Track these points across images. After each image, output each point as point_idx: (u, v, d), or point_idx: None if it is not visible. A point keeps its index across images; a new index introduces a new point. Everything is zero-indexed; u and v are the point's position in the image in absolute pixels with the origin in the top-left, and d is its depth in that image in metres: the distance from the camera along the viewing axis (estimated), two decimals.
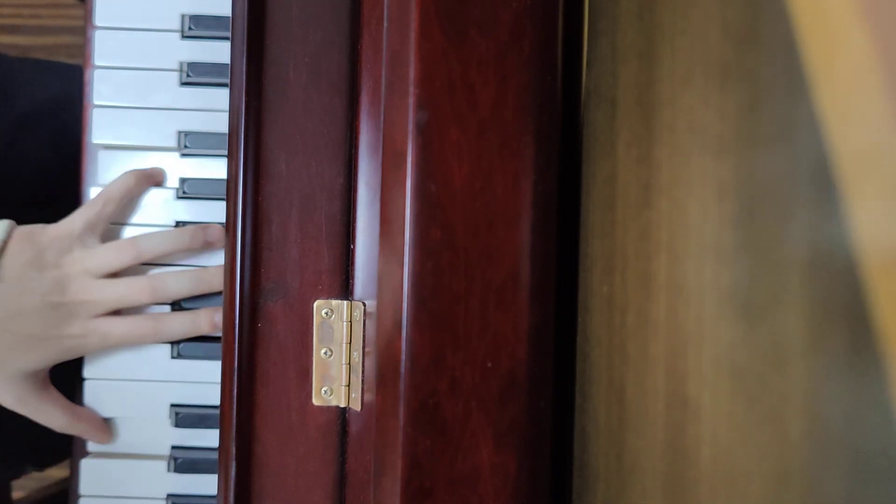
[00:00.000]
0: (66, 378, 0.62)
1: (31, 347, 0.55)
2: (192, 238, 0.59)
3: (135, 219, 0.62)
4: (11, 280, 0.55)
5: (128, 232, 0.61)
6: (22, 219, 0.58)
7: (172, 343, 0.61)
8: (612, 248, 0.38)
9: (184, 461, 0.61)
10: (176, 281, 0.58)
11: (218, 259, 0.61)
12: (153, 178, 0.61)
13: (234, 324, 0.46)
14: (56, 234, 0.57)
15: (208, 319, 0.59)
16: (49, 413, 0.58)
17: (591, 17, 0.42)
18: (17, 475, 0.74)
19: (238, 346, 0.46)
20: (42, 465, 0.76)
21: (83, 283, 0.56)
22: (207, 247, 0.60)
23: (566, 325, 0.43)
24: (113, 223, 0.61)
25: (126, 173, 0.60)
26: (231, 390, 0.46)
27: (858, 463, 0.22)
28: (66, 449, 0.64)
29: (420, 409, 0.38)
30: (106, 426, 0.61)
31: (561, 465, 0.44)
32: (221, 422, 0.46)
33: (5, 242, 0.56)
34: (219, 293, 0.60)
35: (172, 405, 0.61)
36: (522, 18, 0.40)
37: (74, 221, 0.58)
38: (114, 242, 0.59)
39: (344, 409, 0.47)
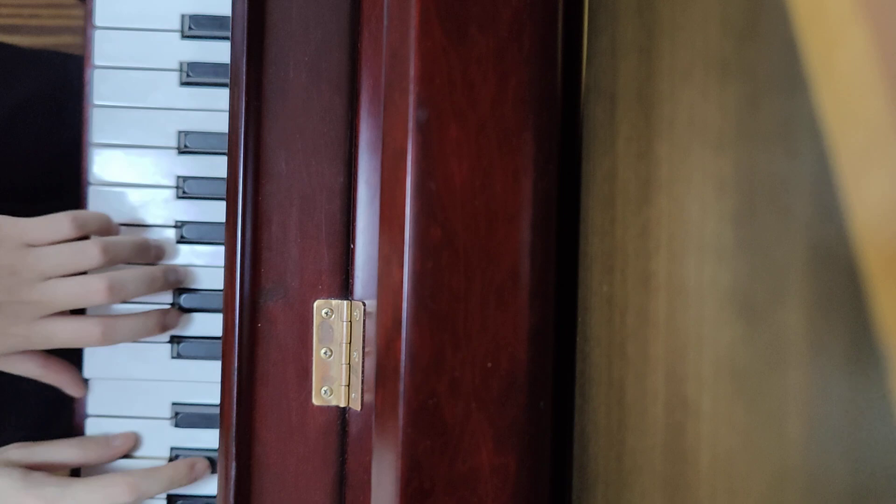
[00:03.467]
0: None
1: None
2: (157, 270, 0.59)
3: (135, 219, 0.61)
4: None
5: (129, 232, 0.61)
6: (18, 213, 0.58)
7: (172, 340, 0.61)
8: (612, 247, 0.38)
9: None
10: (133, 282, 0.56)
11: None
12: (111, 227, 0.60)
13: (234, 324, 0.46)
14: (11, 231, 0.55)
15: (157, 321, 0.58)
16: (22, 367, 0.58)
17: (591, 12, 0.42)
18: None
19: (238, 346, 0.46)
20: None
21: (32, 284, 0.55)
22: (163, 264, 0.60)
23: (566, 324, 0.42)
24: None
25: (99, 214, 0.59)
26: (231, 390, 0.46)
27: (858, 463, 0.22)
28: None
29: (420, 409, 0.38)
30: (80, 380, 0.61)
31: (561, 465, 0.43)
32: (221, 422, 0.46)
33: None
34: (173, 290, 0.60)
35: (173, 405, 0.61)
36: (522, 15, 0.39)
37: (33, 228, 0.56)
38: (77, 244, 0.56)
39: (344, 409, 0.47)
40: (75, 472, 0.61)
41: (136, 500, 0.57)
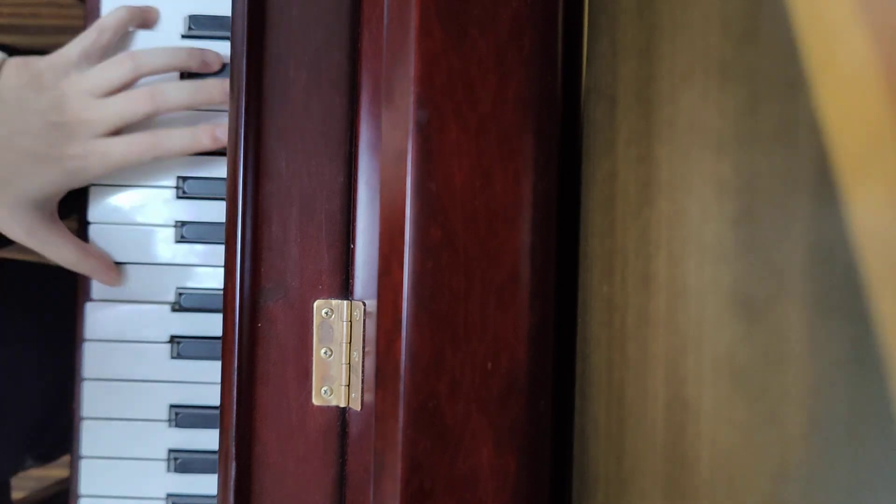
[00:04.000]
0: (66, 379, 0.62)
1: (35, 168, 0.56)
2: (190, 56, 0.59)
3: (135, 219, 0.61)
4: (10, 101, 0.55)
5: (129, 232, 0.61)
6: None
7: (171, 340, 0.61)
8: (612, 248, 0.38)
9: (183, 461, 0.61)
10: (175, 89, 0.58)
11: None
12: (146, 15, 0.61)
13: (234, 324, 0.46)
14: (52, 60, 0.58)
15: (209, 133, 0.58)
16: (59, 246, 0.58)
17: (591, 14, 0.42)
18: (17, 469, 0.73)
19: (238, 346, 0.46)
20: (42, 459, 0.76)
21: (82, 102, 0.57)
22: (204, 68, 0.60)
23: (566, 325, 0.42)
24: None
25: (119, 7, 0.60)
26: (231, 390, 0.46)
27: (858, 463, 0.22)
28: (65, 443, 0.64)
29: (420, 409, 0.38)
30: (115, 267, 0.61)
31: (561, 466, 0.43)
32: (221, 422, 0.46)
33: (2, 64, 0.56)
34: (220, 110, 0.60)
35: (172, 405, 0.61)
36: (522, 17, 0.39)
37: (70, 49, 0.58)
38: (110, 59, 0.59)
39: (344, 409, 0.47)
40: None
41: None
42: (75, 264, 0.59)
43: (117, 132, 0.58)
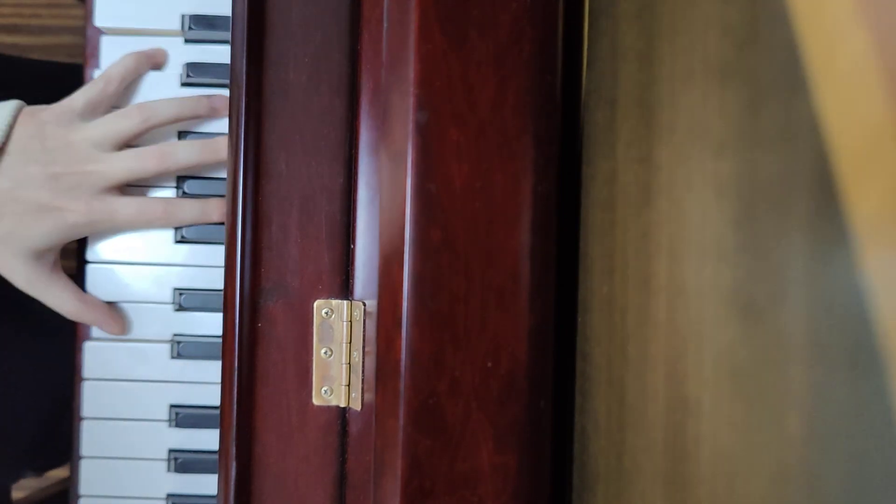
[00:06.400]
0: (67, 379, 0.62)
1: (38, 219, 0.55)
2: (198, 104, 0.59)
3: None
4: (16, 152, 0.55)
5: (129, 232, 0.61)
6: None
7: (171, 340, 0.61)
8: (612, 249, 0.38)
9: (184, 461, 0.61)
10: (185, 148, 0.57)
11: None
12: (154, 59, 0.61)
13: (234, 324, 0.46)
14: (58, 109, 0.57)
15: (218, 208, 0.58)
16: (59, 297, 0.58)
17: (591, 17, 0.42)
18: (16, 479, 0.74)
19: (238, 346, 0.46)
20: (41, 471, 0.76)
21: (88, 154, 0.56)
22: (213, 114, 0.59)
23: (566, 325, 0.43)
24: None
25: (126, 55, 0.60)
26: (231, 390, 0.46)
27: (858, 463, 0.22)
28: (65, 454, 0.63)
29: (420, 409, 0.38)
30: (118, 316, 0.60)
31: (561, 464, 0.44)
32: (221, 422, 0.46)
33: (15, 119, 0.56)
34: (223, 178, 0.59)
35: (172, 405, 0.61)
36: (522, 19, 0.40)
37: (75, 99, 0.58)
38: (118, 111, 0.58)
39: (344, 408, 0.47)
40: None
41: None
42: (76, 315, 0.59)
43: (124, 189, 0.58)
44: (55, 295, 0.58)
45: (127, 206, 0.57)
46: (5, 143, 0.55)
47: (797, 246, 0.25)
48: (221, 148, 0.58)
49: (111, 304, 0.61)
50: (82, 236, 0.59)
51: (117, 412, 0.61)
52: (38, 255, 0.57)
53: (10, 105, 0.56)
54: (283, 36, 0.47)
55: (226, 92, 0.58)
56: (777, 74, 0.26)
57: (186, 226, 0.59)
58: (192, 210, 0.58)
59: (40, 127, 0.56)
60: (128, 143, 0.58)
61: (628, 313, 0.36)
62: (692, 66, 0.31)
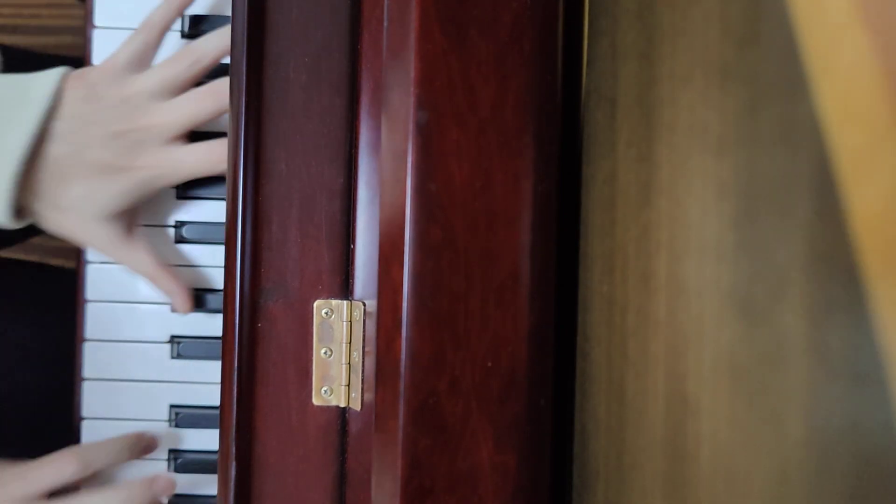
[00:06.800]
0: (67, 380, 0.62)
1: (109, 180, 0.55)
2: None
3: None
4: (72, 116, 0.54)
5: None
6: None
7: (171, 340, 0.61)
8: (612, 248, 0.38)
9: (184, 461, 0.61)
10: None
11: None
12: (185, 3, 0.59)
13: (234, 324, 0.46)
14: (105, 68, 0.56)
15: None
16: (139, 259, 0.58)
17: (592, 16, 0.42)
18: None
19: (238, 346, 0.46)
20: None
21: (146, 107, 0.55)
22: None
23: (566, 324, 0.43)
24: None
25: (159, 5, 0.58)
26: (231, 390, 0.46)
27: (858, 463, 0.22)
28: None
29: (420, 408, 0.38)
30: (189, 297, 0.60)
31: (561, 463, 0.44)
32: (221, 422, 0.46)
33: (62, 83, 0.55)
34: None
35: (172, 405, 0.61)
36: (522, 18, 0.40)
37: (119, 55, 0.57)
38: (167, 58, 0.57)
39: (344, 408, 0.47)
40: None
41: (83, 471, 0.56)
42: (154, 278, 0.59)
43: (186, 135, 0.57)
44: (135, 257, 0.58)
45: (193, 152, 0.56)
46: (56, 108, 0.54)
47: (797, 246, 0.25)
48: None
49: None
50: (156, 190, 0.58)
51: (117, 412, 0.61)
52: (115, 217, 0.56)
53: (56, 71, 0.56)
54: (283, 35, 0.47)
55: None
56: (777, 74, 0.26)
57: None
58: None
59: (91, 88, 0.55)
60: (183, 89, 0.57)
61: (628, 312, 0.36)
62: (692, 65, 0.32)
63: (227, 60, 0.60)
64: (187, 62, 0.56)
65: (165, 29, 0.58)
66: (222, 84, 0.56)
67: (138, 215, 0.60)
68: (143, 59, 0.57)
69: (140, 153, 0.55)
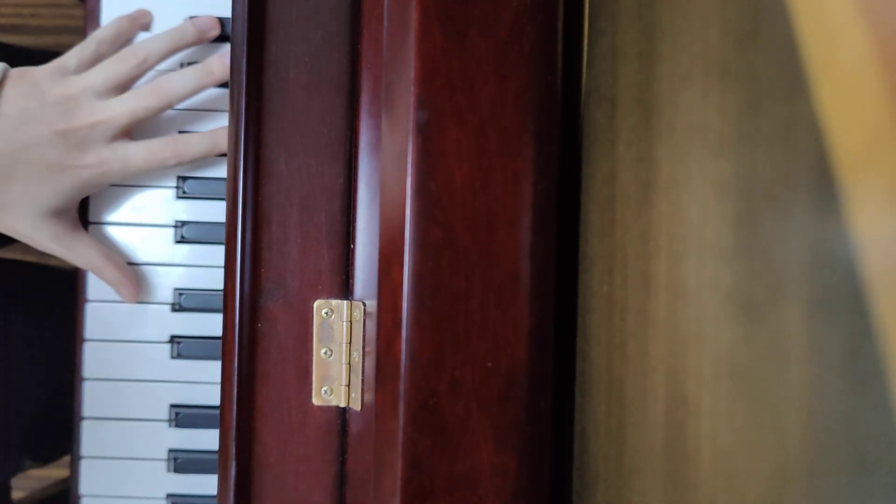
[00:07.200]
0: (67, 380, 0.62)
1: (52, 178, 0.55)
2: (185, 31, 0.58)
3: (135, 219, 0.61)
4: (12, 114, 0.54)
5: (129, 232, 0.61)
6: None
7: (171, 340, 0.61)
8: (612, 248, 0.38)
9: (184, 461, 0.61)
10: (180, 77, 0.57)
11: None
12: (141, 20, 0.60)
13: (234, 324, 0.46)
14: (51, 67, 0.56)
15: (226, 137, 0.57)
16: (84, 253, 0.58)
17: (592, 16, 0.42)
18: (17, 470, 0.73)
19: (238, 346, 0.46)
20: (42, 460, 0.76)
21: (89, 105, 0.55)
22: (202, 37, 0.59)
23: (566, 324, 0.43)
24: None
25: (115, 18, 0.59)
26: (231, 390, 0.46)
27: (858, 463, 0.22)
28: (65, 443, 0.63)
29: (420, 408, 0.38)
30: (136, 281, 0.60)
31: (561, 464, 0.44)
32: (221, 422, 0.46)
33: (4, 76, 0.55)
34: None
35: (172, 405, 0.61)
36: (522, 18, 0.40)
37: (68, 59, 0.57)
38: (113, 56, 0.57)
39: (344, 409, 0.47)
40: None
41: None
42: (100, 271, 0.59)
43: (130, 132, 0.57)
44: (80, 251, 0.58)
45: (138, 149, 0.56)
46: None
47: (797, 246, 0.25)
48: (216, 69, 0.57)
49: (132, 267, 0.61)
50: (100, 188, 0.59)
51: (117, 412, 0.61)
52: (58, 213, 0.56)
53: None
54: (283, 35, 0.47)
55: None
56: (777, 74, 0.26)
57: (198, 159, 0.58)
58: (200, 143, 0.57)
59: (34, 86, 0.55)
60: (125, 87, 0.57)
61: (628, 313, 0.36)
62: (692, 65, 0.31)
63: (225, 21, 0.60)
64: (133, 62, 0.57)
65: (115, 44, 0.58)
66: (165, 80, 0.57)
67: (87, 209, 0.60)
68: (89, 65, 0.57)
69: (85, 151, 0.55)
